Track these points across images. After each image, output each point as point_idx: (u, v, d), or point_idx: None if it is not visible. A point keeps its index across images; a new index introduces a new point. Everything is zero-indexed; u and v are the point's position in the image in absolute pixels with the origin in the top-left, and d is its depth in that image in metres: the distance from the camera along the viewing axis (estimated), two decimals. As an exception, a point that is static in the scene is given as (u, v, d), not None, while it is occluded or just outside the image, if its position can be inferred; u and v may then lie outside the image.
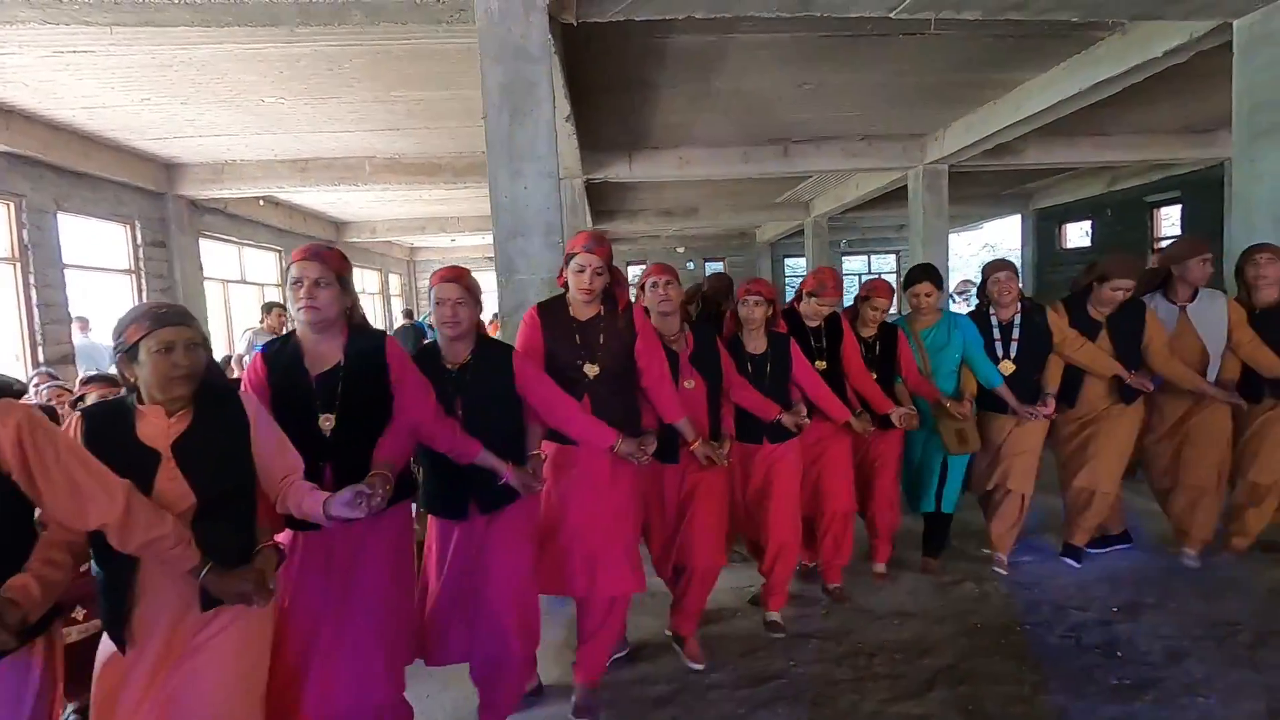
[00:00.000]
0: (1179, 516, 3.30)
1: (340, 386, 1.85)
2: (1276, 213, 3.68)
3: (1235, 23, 3.84)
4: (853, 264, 18.27)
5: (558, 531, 2.32)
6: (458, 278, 2.09)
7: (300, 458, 1.68)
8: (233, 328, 9.61)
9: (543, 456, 2.27)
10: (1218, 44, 4.16)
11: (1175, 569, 3.26)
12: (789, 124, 7.05)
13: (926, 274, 3.18)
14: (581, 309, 2.33)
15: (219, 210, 9.04)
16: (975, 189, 11.59)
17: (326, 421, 1.82)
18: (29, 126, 5.78)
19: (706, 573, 2.62)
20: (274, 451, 1.64)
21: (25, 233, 6.20)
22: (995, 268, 3.24)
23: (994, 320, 3.22)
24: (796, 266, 17.67)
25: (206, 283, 8.87)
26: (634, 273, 17.61)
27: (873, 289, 3.11)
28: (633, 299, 2.60)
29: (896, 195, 9.30)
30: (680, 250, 17.77)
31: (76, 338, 6.68)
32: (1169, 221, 11.36)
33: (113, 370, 1.79)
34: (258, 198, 9.33)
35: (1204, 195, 9.85)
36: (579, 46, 4.43)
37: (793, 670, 2.58)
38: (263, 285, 10.86)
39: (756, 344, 2.83)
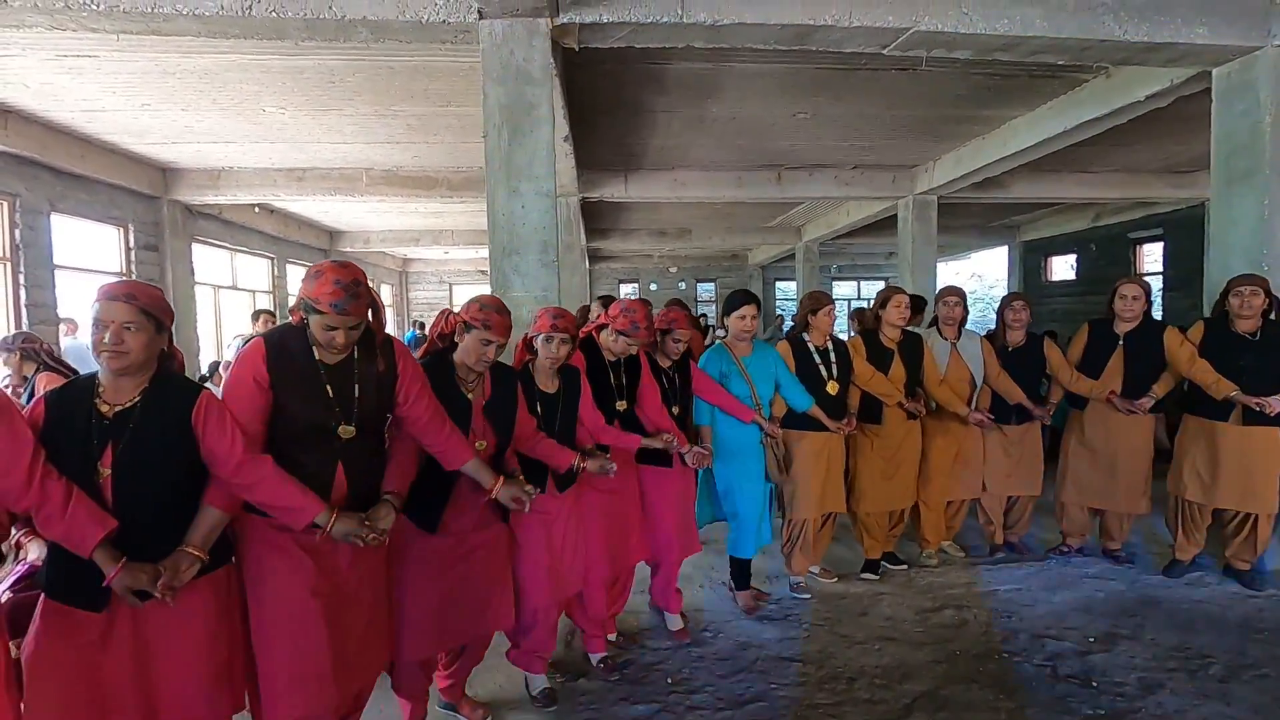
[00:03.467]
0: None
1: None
2: (1252, 255, 3.79)
3: (1214, 71, 3.98)
4: (843, 289, 18.50)
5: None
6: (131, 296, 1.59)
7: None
8: (223, 333, 9.57)
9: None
10: (1198, 90, 4.31)
11: (1151, 599, 3.31)
12: (783, 151, 7.18)
13: (750, 299, 3.15)
14: (329, 352, 1.83)
15: (213, 216, 9.04)
16: (964, 220, 11.80)
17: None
18: (27, 127, 5.79)
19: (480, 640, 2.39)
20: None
21: (18, 232, 6.19)
22: (817, 301, 3.39)
23: (812, 347, 3.37)
24: (787, 289, 17.85)
25: (198, 287, 8.84)
26: (624, 291, 17.78)
27: (673, 320, 2.87)
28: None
29: (887, 223, 9.45)
30: (673, 270, 17.91)
31: (64, 339, 6.63)
32: (1151, 258, 11.62)
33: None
34: (253, 205, 9.34)
35: (1185, 233, 10.09)
36: (579, 69, 4.52)
37: (773, 693, 2.59)
38: (254, 292, 10.84)
39: (550, 383, 2.48)
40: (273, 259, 11.17)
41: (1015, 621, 3.13)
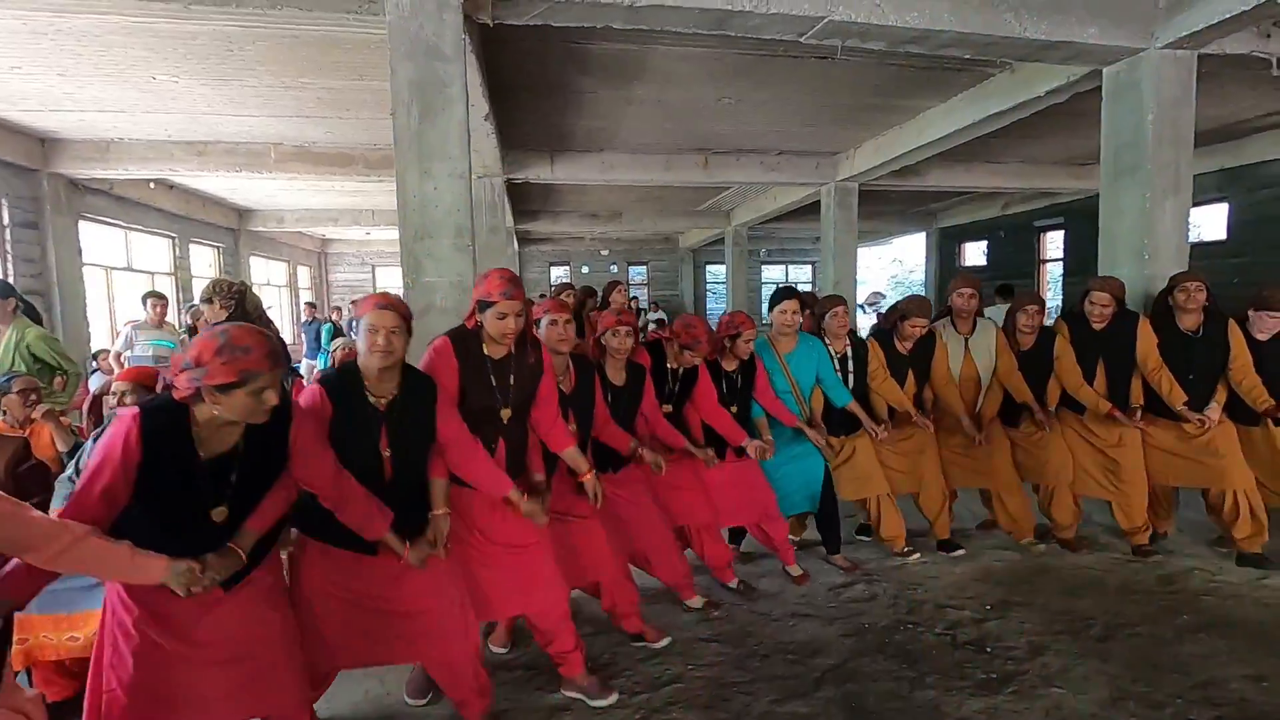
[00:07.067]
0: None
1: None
2: (1135, 244, 4.07)
3: (1105, 70, 4.23)
4: (771, 273, 18.85)
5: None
6: (393, 306, 1.99)
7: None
8: (115, 319, 8.88)
9: (447, 514, 2.14)
10: (1091, 88, 4.56)
11: (1045, 567, 3.54)
12: (710, 135, 7.21)
13: (791, 294, 3.18)
14: (496, 348, 2.25)
15: (103, 191, 8.33)
16: (884, 206, 12.22)
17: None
18: (-128, 88, 5.16)
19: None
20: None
21: None
22: (832, 302, 3.39)
23: (831, 352, 3.35)
24: (717, 273, 18.05)
25: (86, 269, 8.15)
26: (555, 274, 17.56)
27: (742, 324, 3.01)
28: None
29: (812, 209, 9.67)
30: (604, 253, 17.80)
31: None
32: (1054, 244, 12.34)
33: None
34: (149, 180, 8.67)
35: (1084, 222, 10.71)
36: (499, 46, 4.38)
37: (690, 674, 2.63)
38: (152, 274, 10.09)
39: (619, 375, 2.79)
40: (174, 238, 10.41)
41: (921, 593, 3.28)
